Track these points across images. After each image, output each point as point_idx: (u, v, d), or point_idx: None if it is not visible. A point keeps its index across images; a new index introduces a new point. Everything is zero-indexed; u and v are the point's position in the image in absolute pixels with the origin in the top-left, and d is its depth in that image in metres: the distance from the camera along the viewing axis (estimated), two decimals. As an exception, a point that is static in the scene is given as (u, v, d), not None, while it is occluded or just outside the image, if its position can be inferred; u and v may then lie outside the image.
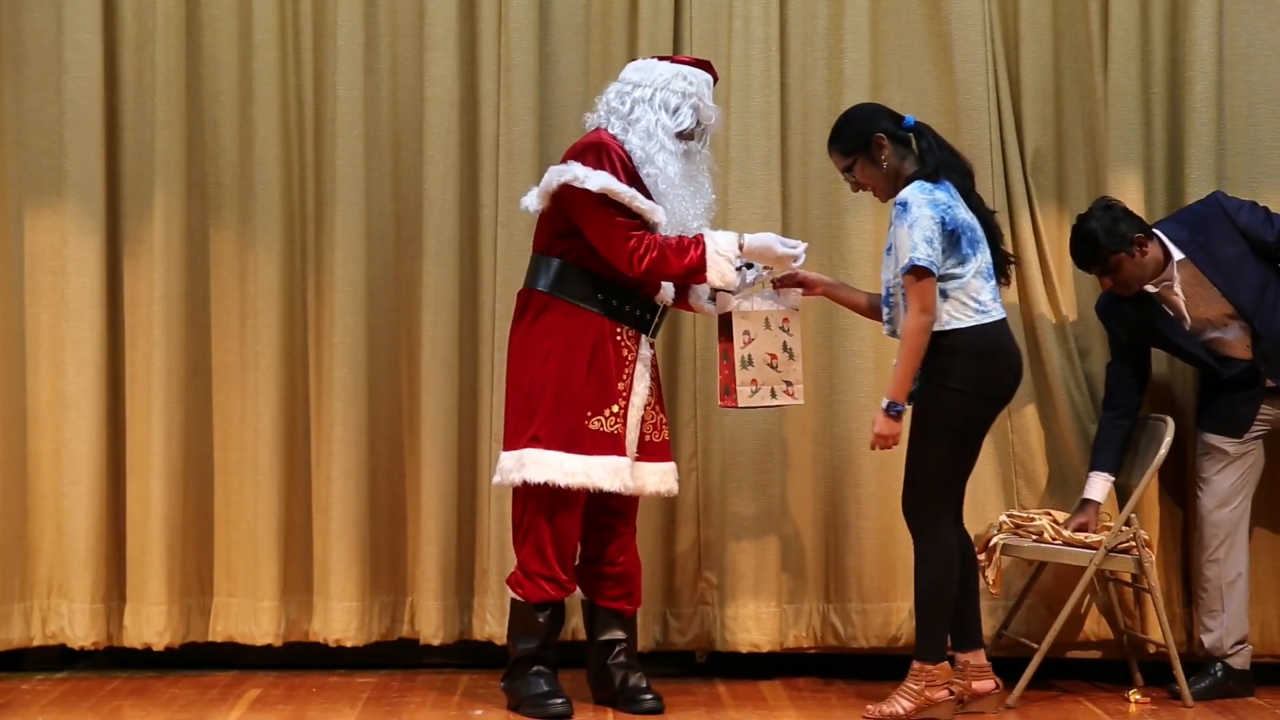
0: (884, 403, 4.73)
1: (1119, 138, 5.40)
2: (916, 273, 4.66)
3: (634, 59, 5.21)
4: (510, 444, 4.89)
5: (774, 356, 4.85)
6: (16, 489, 5.47)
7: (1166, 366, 5.43)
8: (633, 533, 5.04)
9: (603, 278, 4.85)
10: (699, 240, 4.79)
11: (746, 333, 4.81)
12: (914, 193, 4.72)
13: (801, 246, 4.90)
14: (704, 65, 4.99)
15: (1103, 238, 5.04)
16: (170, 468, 5.42)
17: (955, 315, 4.73)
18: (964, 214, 4.77)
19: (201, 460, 5.54)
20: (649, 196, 4.81)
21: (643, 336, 4.92)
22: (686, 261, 4.77)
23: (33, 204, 5.49)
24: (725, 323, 4.90)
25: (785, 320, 4.90)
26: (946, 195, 4.75)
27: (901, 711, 4.77)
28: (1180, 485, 5.38)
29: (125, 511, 5.48)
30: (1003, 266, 4.91)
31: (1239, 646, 5.21)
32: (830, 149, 4.95)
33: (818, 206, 5.52)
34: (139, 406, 5.47)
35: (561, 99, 5.52)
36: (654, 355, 5.00)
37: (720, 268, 4.77)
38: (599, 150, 4.82)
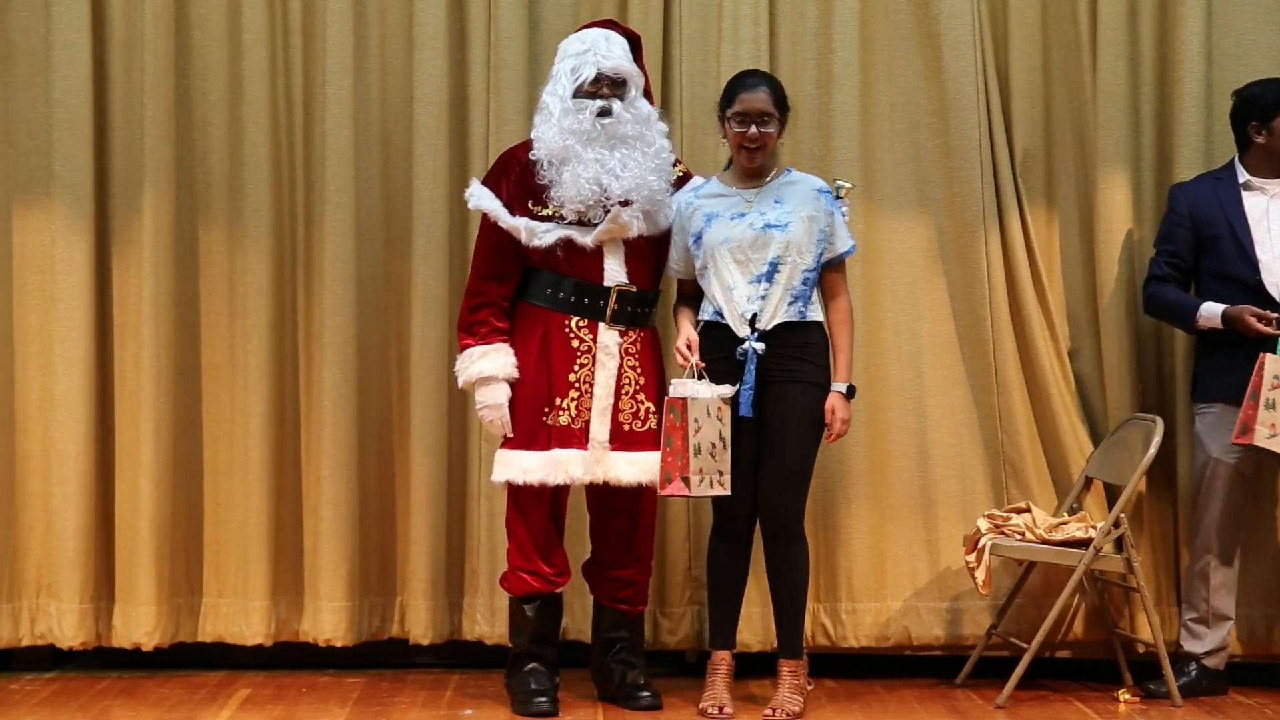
0: (843, 387, 4.85)
1: (1108, 137, 5.41)
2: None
3: (625, 59, 5.22)
4: None
5: (714, 446, 4.73)
6: (5, 489, 5.46)
7: (1154, 362, 5.45)
8: (639, 532, 5.01)
9: (556, 274, 4.88)
10: (485, 335, 4.89)
11: (696, 420, 4.67)
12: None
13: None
14: (604, 24, 5.03)
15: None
16: (159, 467, 5.41)
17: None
18: None
19: (191, 460, 5.53)
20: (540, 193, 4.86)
21: (600, 325, 4.90)
22: (461, 342, 4.95)
23: (21, 203, 5.48)
24: (675, 407, 4.70)
25: (720, 409, 4.74)
26: None
27: (799, 710, 4.86)
28: (1170, 484, 5.39)
29: (114, 511, 5.46)
30: None
31: (1220, 651, 5.24)
32: (767, 89, 4.89)
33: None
34: (128, 406, 5.45)
35: (551, 99, 5.52)
36: (627, 344, 4.91)
37: (460, 367, 4.93)
38: (496, 166, 4.99)
